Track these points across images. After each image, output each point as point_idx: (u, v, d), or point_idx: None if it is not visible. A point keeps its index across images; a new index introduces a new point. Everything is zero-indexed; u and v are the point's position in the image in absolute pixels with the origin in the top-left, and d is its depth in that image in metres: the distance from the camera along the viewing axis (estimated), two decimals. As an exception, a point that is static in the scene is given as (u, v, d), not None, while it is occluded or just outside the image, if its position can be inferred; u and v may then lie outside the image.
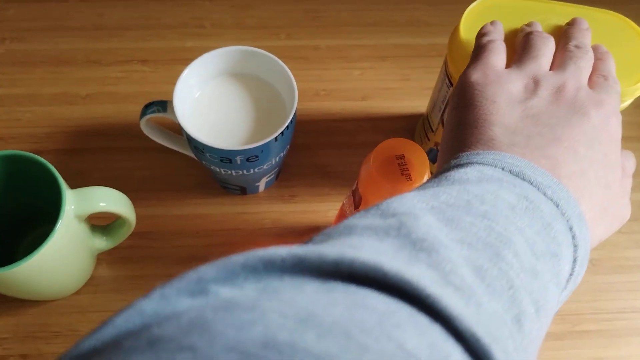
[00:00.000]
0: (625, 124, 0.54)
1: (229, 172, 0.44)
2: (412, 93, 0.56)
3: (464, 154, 0.27)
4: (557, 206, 0.25)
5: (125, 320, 0.17)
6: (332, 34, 0.60)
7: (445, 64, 0.43)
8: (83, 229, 0.42)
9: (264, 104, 0.45)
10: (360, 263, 0.18)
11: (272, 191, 0.51)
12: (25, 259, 0.37)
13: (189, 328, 0.15)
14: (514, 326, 0.20)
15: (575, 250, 0.25)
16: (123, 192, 0.49)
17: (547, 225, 0.24)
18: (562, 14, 0.41)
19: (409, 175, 0.34)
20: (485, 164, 0.26)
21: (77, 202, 0.39)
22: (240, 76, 0.46)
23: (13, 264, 0.36)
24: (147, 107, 0.44)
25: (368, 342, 0.15)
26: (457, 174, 0.25)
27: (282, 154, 0.45)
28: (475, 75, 0.30)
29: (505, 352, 0.19)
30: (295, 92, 0.43)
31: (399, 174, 0.34)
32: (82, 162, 0.52)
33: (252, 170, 0.44)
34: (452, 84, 0.42)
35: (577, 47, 0.32)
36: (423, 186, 0.25)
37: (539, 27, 0.35)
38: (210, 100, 0.45)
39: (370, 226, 0.21)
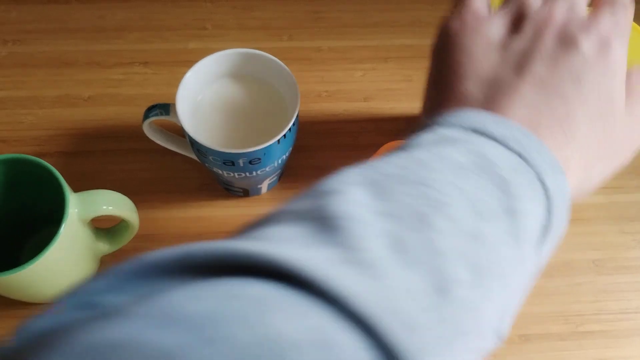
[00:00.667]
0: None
1: (232, 174, 0.44)
2: (415, 94, 0.56)
3: (432, 117, 0.26)
4: (522, 157, 0.23)
5: (11, 341, 0.17)
6: (335, 35, 0.60)
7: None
8: (86, 232, 0.42)
9: (266, 106, 0.45)
10: (244, 254, 0.18)
11: (275, 193, 0.51)
12: (28, 262, 0.37)
13: (47, 341, 0.15)
14: (436, 296, 0.19)
15: (548, 201, 0.23)
16: (126, 194, 0.49)
17: (502, 181, 0.22)
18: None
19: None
20: (446, 126, 0.24)
21: (81, 206, 0.40)
22: (243, 78, 0.46)
23: (16, 268, 0.37)
24: (150, 110, 0.44)
25: (230, 332, 0.15)
26: (415, 140, 0.24)
27: (284, 156, 0.45)
28: (452, 23, 0.28)
29: (411, 326, 0.18)
30: (297, 94, 0.43)
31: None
32: (85, 164, 0.52)
33: (254, 173, 0.44)
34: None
35: None
36: (378, 159, 0.24)
37: None
38: (212, 103, 0.45)
39: (295, 210, 0.21)
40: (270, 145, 0.41)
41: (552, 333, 0.46)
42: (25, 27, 0.59)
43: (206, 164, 0.44)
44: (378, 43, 0.59)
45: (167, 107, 0.43)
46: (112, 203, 0.41)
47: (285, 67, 0.44)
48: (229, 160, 0.42)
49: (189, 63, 0.45)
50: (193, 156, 0.47)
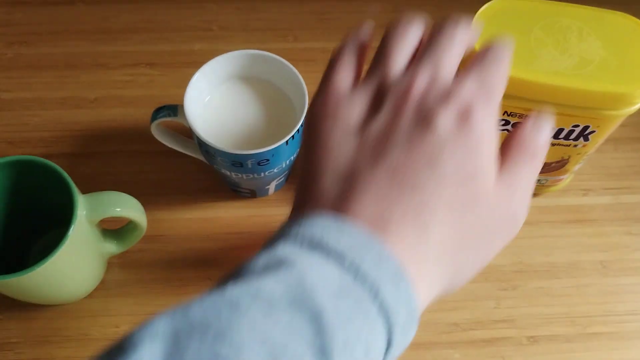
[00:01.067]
0: (633, 125, 0.55)
1: (240, 175, 0.44)
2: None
3: (290, 220, 0.24)
4: (358, 273, 0.21)
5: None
6: (340, 36, 0.59)
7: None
8: (94, 234, 0.42)
9: (273, 107, 0.45)
10: None
11: (282, 194, 0.51)
12: (37, 264, 0.37)
13: None
14: None
15: (387, 318, 0.21)
16: (133, 196, 0.49)
17: (317, 315, 0.20)
18: (575, 16, 0.41)
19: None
20: (287, 239, 0.22)
21: (90, 207, 0.39)
22: (250, 80, 0.46)
23: (25, 270, 0.36)
24: (158, 111, 0.44)
25: None
26: (247, 266, 0.22)
27: (292, 157, 0.45)
28: (315, 107, 0.26)
29: None
30: (305, 95, 0.43)
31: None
32: (91, 166, 0.52)
33: (262, 174, 0.44)
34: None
35: (438, 32, 0.26)
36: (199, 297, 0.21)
37: (411, 22, 0.27)
38: (220, 104, 0.45)
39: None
40: (278, 146, 0.41)
41: (559, 335, 0.46)
42: (30, 29, 0.59)
43: (214, 166, 0.44)
44: (384, 44, 0.59)
45: (175, 108, 0.43)
46: (121, 204, 0.41)
47: (293, 68, 0.44)
48: (238, 162, 0.42)
49: (195, 64, 0.45)
50: (200, 157, 0.47)
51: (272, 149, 0.41)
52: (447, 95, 0.24)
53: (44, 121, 0.54)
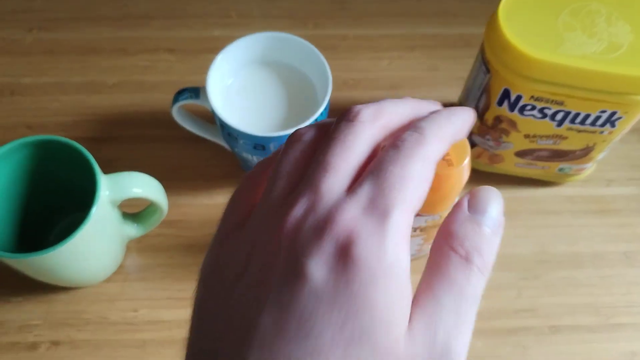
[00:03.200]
0: None
1: (261, 159, 0.44)
2: (442, 83, 0.56)
3: None
4: None
5: None
6: (360, 24, 0.59)
7: (482, 51, 0.42)
8: (115, 216, 0.42)
9: (295, 91, 0.45)
10: None
11: (301, 181, 0.51)
12: (59, 244, 0.36)
13: None
14: None
15: None
16: None
17: None
18: (603, 0, 0.40)
19: (450, 160, 0.34)
20: None
21: (112, 188, 0.39)
22: (272, 64, 0.46)
23: (47, 249, 0.36)
24: (180, 94, 0.44)
25: None
26: None
27: (314, 142, 0.44)
28: (204, 260, 0.22)
29: None
30: (329, 78, 0.42)
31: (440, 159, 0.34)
32: (110, 150, 0.52)
33: (284, 158, 0.44)
34: (488, 71, 0.41)
35: (330, 135, 0.20)
36: None
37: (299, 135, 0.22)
38: (242, 88, 0.45)
39: None
40: (301, 129, 0.41)
41: (582, 325, 0.45)
42: (50, 14, 0.59)
43: (235, 150, 0.44)
44: (404, 32, 0.59)
45: (197, 91, 0.43)
46: (143, 185, 0.41)
47: (316, 50, 0.43)
48: (260, 145, 0.41)
49: (214, 50, 0.45)
50: (221, 142, 0.47)
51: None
52: (322, 227, 0.18)
53: (63, 106, 0.54)
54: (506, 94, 0.41)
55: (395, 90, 0.55)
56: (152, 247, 0.48)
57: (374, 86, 0.56)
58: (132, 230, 0.45)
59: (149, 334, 0.44)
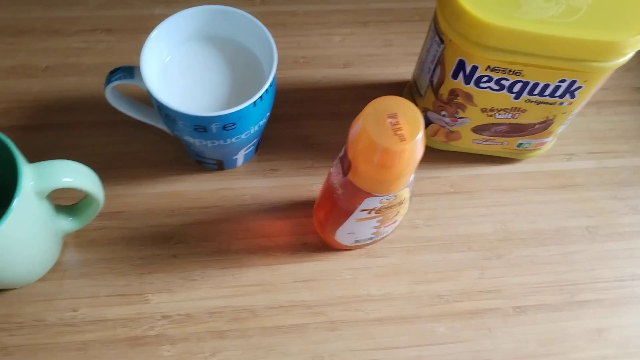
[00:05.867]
0: (615, 88, 0.53)
1: (204, 142, 0.41)
2: (397, 59, 0.53)
3: None
4: None
5: None
6: (311, -1, 0.56)
7: (435, 20, 0.40)
8: (45, 208, 0.38)
9: (240, 68, 0.42)
10: None
11: (252, 165, 0.48)
12: (-21, 240, 0.33)
13: None
14: None
15: None
16: (92, 169, 0.45)
17: None
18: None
19: (402, 135, 0.31)
20: None
21: (38, 178, 0.36)
22: (214, 39, 0.43)
23: (-35, 247, 0.33)
24: (112, 74, 0.40)
25: None
26: None
27: (261, 123, 0.42)
28: None
29: None
30: (274, 52, 0.39)
31: (392, 134, 0.31)
32: (44, 139, 0.48)
33: (229, 141, 0.41)
34: (442, 42, 0.39)
35: None
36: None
37: None
38: (181, 65, 0.42)
39: None
40: (245, 108, 0.38)
41: (547, 304, 0.43)
42: (-25, -7, 0.55)
43: (176, 132, 0.41)
44: (356, 7, 0.56)
45: (131, 70, 0.40)
46: (73, 174, 0.37)
47: (260, 24, 0.40)
48: (201, 126, 0.38)
49: (155, 27, 0.42)
50: (162, 126, 0.44)
51: (239, 111, 0.38)
52: None
53: (-9, 92, 0.50)
54: (461, 66, 0.39)
55: (348, 68, 0.53)
56: (92, 241, 0.44)
57: (327, 64, 0.53)
58: (67, 224, 0.41)
59: (91, 334, 0.41)
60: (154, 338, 0.41)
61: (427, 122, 0.46)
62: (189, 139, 0.41)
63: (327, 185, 0.39)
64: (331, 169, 0.38)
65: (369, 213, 0.38)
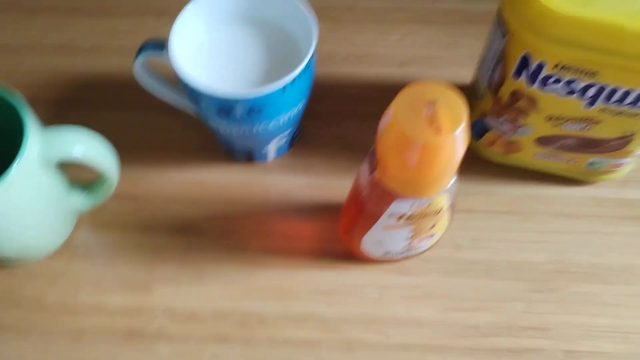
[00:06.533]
0: None
1: (229, 129, 0.37)
2: (460, 63, 0.48)
3: None
4: None
5: None
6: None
7: (500, 9, 0.35)
8: (54, 180, 0.36)
9: (279, 54, 0.39)
10: None
11: (284, 161, 0.44)
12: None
13: None
14: None
15: None
16: (118, 149, 0.43)
17: None
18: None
19: (439, 126, 0.27)
20: None
21: (45, 144, 0.33)
22: (255, 21, 0.40)
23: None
24: (142, 48, 0.38)
25: None
26: None
27: (292, 113, 0.38)
28: None
29: None
30: (313, 40, 0.36)
31: (427, 125, 0.27)
32: (78, 115, 0.46)
33: (255, 129, 0.37)
34: (505, 33, 0.34)
35: None
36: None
37: None
38: (217, 46, 0.39)
39: None
40: (273, 92, 0.34)
41: (606, 352, 0.36)
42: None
43: (201, 116, 0.38)
44: (421, 6, 0.52)
45: (162, 45, 0.37)
46: (86, 146, 0.34)
47: (306, 10, 0.37)
48: (224, 108, 0.35)
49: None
50: (188, 109, 0.41)
51: (266, 94, 0.34)
52: None
53: (34, 67, 0.49)
54: (525, 62, 0.34)
55: (404, 67, 0.48)
56: (108, 223, 0.42)
57: (380, 62, 0.49)
58: (79, 201, 0.39)
59: (88, 320, 0.38)
60: (152, 333, 0.38)
61: (484, 129, 0.41)
62: (214, 124, 0.38)
63: (355, 185, 0.35)
64: (361, 166, 0.34)
65: (399, 220, 0.33)
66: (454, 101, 0.27)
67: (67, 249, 0.41)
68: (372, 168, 0.31)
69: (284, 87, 0.34)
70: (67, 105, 0.47)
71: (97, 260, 0.40)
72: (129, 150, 0.45)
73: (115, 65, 0.49)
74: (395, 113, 0.27)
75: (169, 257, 0.40)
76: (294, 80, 0.35)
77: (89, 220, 0.42)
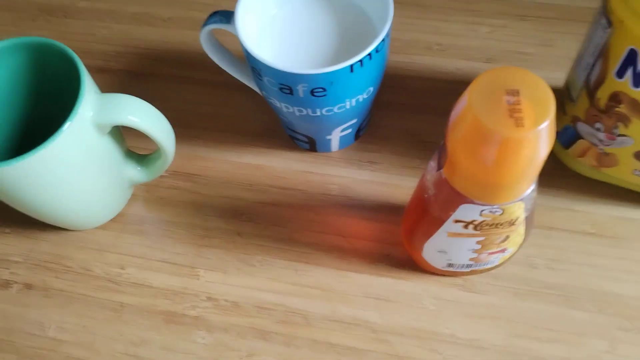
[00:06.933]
0: None
1: (291, 109, 0.35)
2: (554, 63, 0.43)
3: None
4: None
5: None
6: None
7: (607, -4, 0.30)
8: (109, 146, 0.35)
9: (352, 34, 0.36)
10: None
11: (348, 152, 0.41)
12: (20, 157, 0.30)
13: None
14: None
15: None
16: (180, 125, 0.42)
17: None
18: None
19: (521, 119, 0.23)
20: None
21: (100, 108, 0.32)
22: (330, -3, 0.37)
23: (8, 161, 0.30)
24: (210, 17, 0.36)
25: None
26: None
27: (360, 97, 0.35)
28: None
29: None
30: (389, 12, 0.33)
31: (507, 116, 0.23)
32: (147, 87, 0.46)
33: (318, 111, 0.34)
34: (610, 24, 0.29)
35: None
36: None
37: None
38: (288, 20, 0.36)
39: None
40: (338, 70, 0.31)
41: None
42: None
43: (263, 93, 0.36)
44: (517, -1, 0.47)
45: (228, 15, 0.35)
46: (141, 114, 0.33)
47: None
48: (286, 86, 0.32)
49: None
50: (252, 84, 0.39)
51: (330, 73, 0.31)
52: None
53: (111, 34, 0.49)
54: (632, 58, 0.29)
55: (491, 63, 0.44)
56: (161, 199, 0.41)
57: (465, 55, 0.44)
58: (135, 174, 0.38)
59: (130, 297, 0.37)
60: (192, 319, 0.36)
61: (575, 137, 0.36)
62: (275, 102, 0.35)
63: (421, 183, 0.31)
64: (429, 162, 0.30)
65: (466, 227, 0.29)
66: (540, 91, 0.23)
67: (120, 221, 0.40)
68: (441, 164, 0.28)
69: (352, 67, 0.31)
70: (139, 77, 0.46)
71: (147, 237, 0.39)
72: (192, 127, 0.43)
73: (190, 38, 0.48)
74: (470, 100, 0.23)
75: (219, 242, 0.38)
76: (363, 61, 0.32)
77: (143, 195, 0.41)
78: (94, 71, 0.47)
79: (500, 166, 0.24)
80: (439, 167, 0.28)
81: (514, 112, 0.23)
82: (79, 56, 0.48)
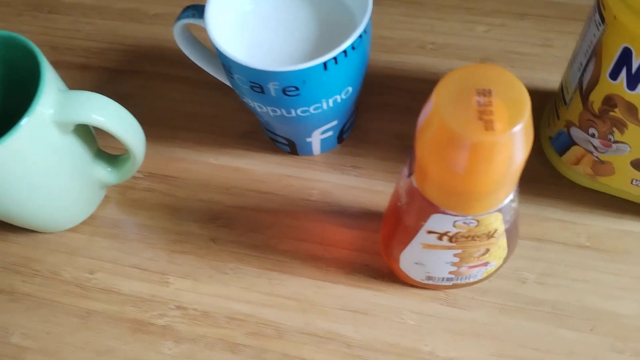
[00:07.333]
0: None
1: (264, 109, 0.33)
2: (553, 64, 0.41)
3: None
4: None
5: None
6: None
7: (601, -10, 0.28)
8: (75, 146, 0.33)
9: (334, 29, 0.34)
10: None
11: (331, 156, 0.39)
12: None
13: None
14: None
15: None
16: (159, 124, 0.41)
17: None
18: None
19: (491, 121, 0.20)
20: None
21: (61, 106, 0.31)
22: (310, -8, 0.35)
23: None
24: (185, 11, 0.34)
25: None
26: None
27: (338, 97, 0.33)
28: None
29: None
30: (368, 5, 0.31)
31: (476, 119, 0.21)
32: (129, 85, 0.44)
33: (293, 112, 0.32)
34: (603, 21, 0.27)
35: None
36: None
37: None
38: (264, 16, 0.35)
39: None
40: (311, 68, 0.29)
41: None
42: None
43: (237, 91, 0.34)
44: (516, -4, 0.45)
45: (201, 9, 0.34)
46: (106, 113, 0.31)
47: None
48: (257, 84, 0.31)
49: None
50: (225, 80, 0.37)
51: (302, 70, 0.29)
52: None
53: (97, 31, 0.48)
54: (626, 57, 0.26)
55: (487, 63, 0.41)
56: (135, 201, 0.39)
57: (460, 55, 0.42)
58: (104, 174, 0.36)
59: (97, 304, 0.35)
60: (159, 329, 0.34)
61: (569, 143, 0.33)
62: (249, 102, 0.33)
63: (395, 191, 0.29)
64: (403, 168, 0.28)
65: (440, 239, 0.27)
66: (515, 91, 0.21)
67: (92, 224, 0.38)
68: (411, 170, 0.25)
69: (325, 65, 0.29)
70: (120, 73, 0.45)
71: (119, 241, 0.37)
72: (171, 126, 0.42)
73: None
74: (437, 100, 0.21)
75: (191, 248, 0.37)
76: (337, 58, 0.30)
77: (117, 197, 0.39)
78: (75, 68, 0.45)
79: (471, 173, 0.22)
80: (409, 173, 0.25)
81: (483, 114, 0.21)
82: (63, 52, 0.47)
